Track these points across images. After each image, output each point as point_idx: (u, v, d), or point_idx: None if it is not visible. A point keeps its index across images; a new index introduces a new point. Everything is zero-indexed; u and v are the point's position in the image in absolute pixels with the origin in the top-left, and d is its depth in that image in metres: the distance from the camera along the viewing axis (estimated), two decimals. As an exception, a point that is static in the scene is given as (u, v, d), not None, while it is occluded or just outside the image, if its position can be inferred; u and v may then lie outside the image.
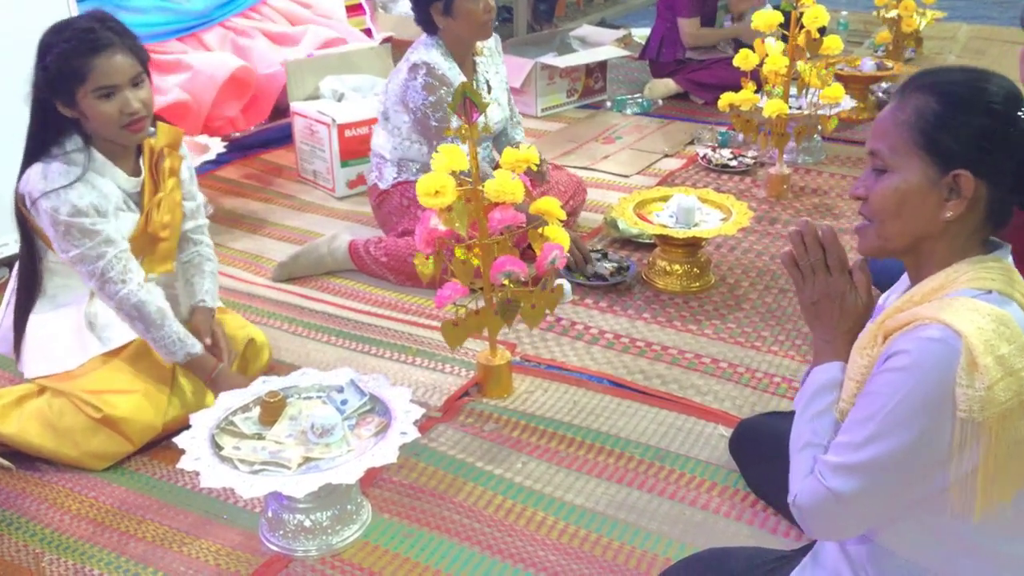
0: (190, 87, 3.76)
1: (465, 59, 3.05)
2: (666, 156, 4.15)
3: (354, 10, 4.98)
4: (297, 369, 2.09)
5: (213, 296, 2.36)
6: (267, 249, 3.30)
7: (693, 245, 2.94)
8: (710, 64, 4.85)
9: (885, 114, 1.34)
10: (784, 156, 3.99)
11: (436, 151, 2.82)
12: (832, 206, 3.62)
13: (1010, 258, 1.35)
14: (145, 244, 2.22)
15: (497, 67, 3.19)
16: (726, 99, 3.57)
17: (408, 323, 2.79)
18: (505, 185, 2.12)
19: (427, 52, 2.95)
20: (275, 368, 2.52)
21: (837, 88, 3.50)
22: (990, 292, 1.27)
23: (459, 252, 2.22)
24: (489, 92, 3.06)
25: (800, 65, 3.53)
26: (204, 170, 3.90)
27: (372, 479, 2.08)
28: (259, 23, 4.32)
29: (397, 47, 5.42)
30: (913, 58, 5.66)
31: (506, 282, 2.24)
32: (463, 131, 2.15)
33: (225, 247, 3.32)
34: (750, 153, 4.03)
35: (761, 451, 2.03)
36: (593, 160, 4.12)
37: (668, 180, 3.87)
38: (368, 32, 5.04)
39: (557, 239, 2.29)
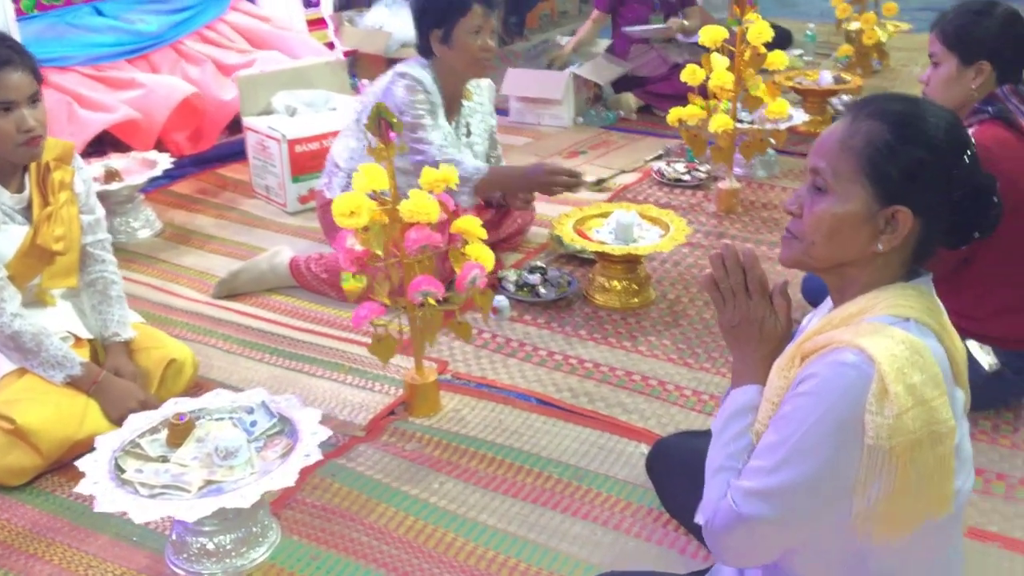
0: (142, 105, 3.76)
1: (453, 96, 3.04)
2: (623, 172, 4.16)
3: (316, 24, 4.99)
4: (228, 386, 2.09)
5: (124, 324, 2.37)
6: (213, 266, 3.30)
7: (632, 261, 2.95)
8: (668, 75, 4.86)
9: (832, 133, 1.33)
10: (738, 170, 4.01)
11: (431, 149, 2.89)
12: (781, 220, 3.62)
13: (931, 287, 1.36)
14: (38, 258, 2.23)
15: (484, 115, 3.19)
16: (674, 114, 3.58)
17: (344, 340, 2.79)
18: (420, 205, 2.12)
19: (417, 69, 2.94)
20: (203, 387, 2.51)
21: (781, 104, 3.51)
22: (908, 320, 1.27)
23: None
24: (468, 136, 3.08)
25: (747, 80, 3.54)
26: (156, 185, 3.92)
27: (284, 501, 2.08)
28: (212, 46, 4.31)
29: (361, 61, 5.46)
30: (879, 70, 5.68)
31: (430, 301, 2.25)
32: (378, 150, 2.16)
33: (171, 263, 3.33)
34: (703, 167, 4.04)
35: (676, 470, 2.03)
36: (548, 174, 4.12)
37: (620, 195, 3.88)
38: (331, 45, 5.06)
39: (479, 258, 2.29)
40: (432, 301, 2.24)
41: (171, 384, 2.40)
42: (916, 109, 1.30)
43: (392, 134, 2.15)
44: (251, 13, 4.54)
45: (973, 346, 2.32)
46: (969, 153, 1.30)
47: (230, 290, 3.06)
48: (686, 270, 3.23)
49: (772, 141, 4.02)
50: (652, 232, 3.02)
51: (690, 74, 3.53)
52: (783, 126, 3.97)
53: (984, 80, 2.28)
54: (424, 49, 2.99)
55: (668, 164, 4.07)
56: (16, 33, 3.06)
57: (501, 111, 4.93)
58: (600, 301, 2.98)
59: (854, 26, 5.10)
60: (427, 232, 2.15)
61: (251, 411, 1.98)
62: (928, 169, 1.27)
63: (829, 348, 1.27)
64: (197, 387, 2.50)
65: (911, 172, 1.27)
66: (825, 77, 4.64)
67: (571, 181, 2.97)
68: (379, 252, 2.15)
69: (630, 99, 4.94)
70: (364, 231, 2.15)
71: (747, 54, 3.47)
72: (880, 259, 1.31)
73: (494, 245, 3.28)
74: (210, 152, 4.27)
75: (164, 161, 3.56)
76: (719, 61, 3.47)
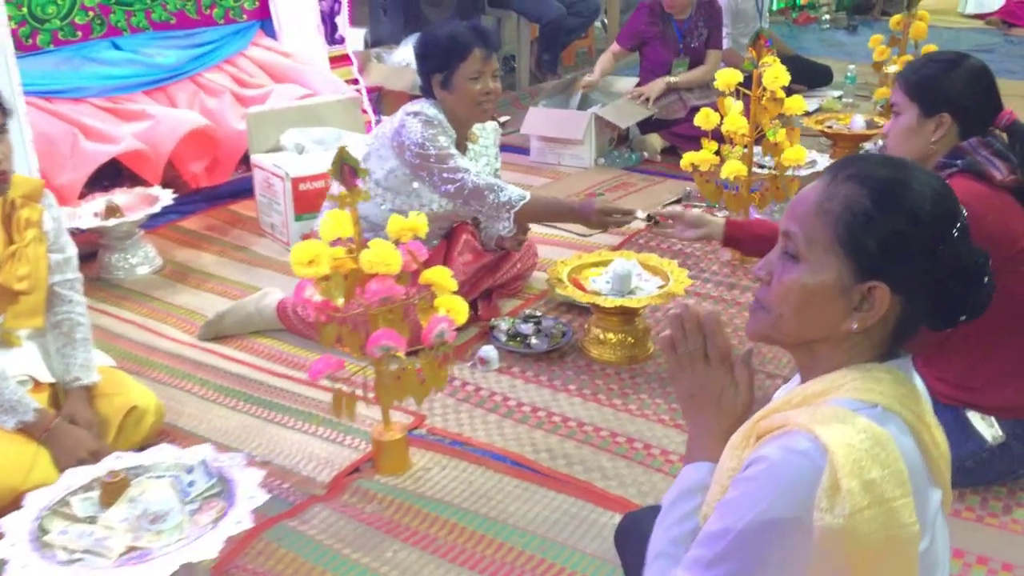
0: (148, 137, 3.74)
1: (459, 138, 2.95)
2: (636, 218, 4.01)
3: (340, 60, 4.95)
4: (194, 436, 2.00)
5: (87, 368, 2.29)
6: (206, 305, 3.23)
7: (629, 313, 2.81)
8: (687, 118, 4.73)
9: (808, 195, 1.20)
10: (756, 214, 3.85)
11: (469, 177, 2.80)
12: (798, 271, 3.45)
13: (911, 370, 1.22)
14: (1, 297, 2.16)
15: (489, 159, 3.11)
16: (687, 158, 3.45)
17: (320, 388, 2.68)
18: (381, 255, 2.02)
19: (430, 108, 2.86)
20: (169, 435, 2.44)
21: (798, 151, 3.35)
22: (876, 407, 1.13)
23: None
24: None
25: (765, 125, 3.39)
26: (166, 220, 3.89)
27: (224, 567, 1.97)
28: (232, 80, 4.29)
29: (386, 98, 5.42)
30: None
31: (399, 355, 2.14)
32: (341, 196, 2.06)
33: (163, 302, 3.27)
34: (720, 213, 3.89)
35: (640, 548, 1.88)
36: (561, 217, 4.01)
37: (631, 240, 3.75)
38: (354, 82, 5.02)
39: (450, 310, 2.18)
40: (401, 355, 2.14)
41: (130, 433, 2.31)
42: (902, 175, 1.16)
43: (357, 180, 2.06)
44: (272, 48, 4.52)
45: (974, 417, 2.15)
46: (959, 227, 1.16)
47: (216, 332, 2.99)
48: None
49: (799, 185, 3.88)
50: (652, 283, 2.89)
51: (704, 118, 3.40)
52: (805, 172, 3.81)
53: (945, 133, 2.13)
54: (427, 92, 2.91)
55: (685, 208, 3.93)
56: (15, 72, 3.03)
57: (522, 150, 4.88)
58: (595, 354, 2.85)
59: (892, 69, 4.91)
60: (389, 283, 2.05)
61: (191, 470, 1.89)
62: (910, 243, 1.14)
63: (783, 430, 1.14)
64: (162, 435, 2.42)
65: (891, 245, 1.13)
66: (857, 121, 4.47)
67: (624, 220, 2.88)
68: (339, 303, 2.05)
69: (655, 140, 4.82)
70: (324, 280, 2.05)
71: (764, 99, 3.33)
72: (854, 337, 1.18)
73: (492, 291, 3.19)
74: (224, 187, 4.23)
75: (166, 197, 3.52)
76: (732, 105, 3.33)
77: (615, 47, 4.94)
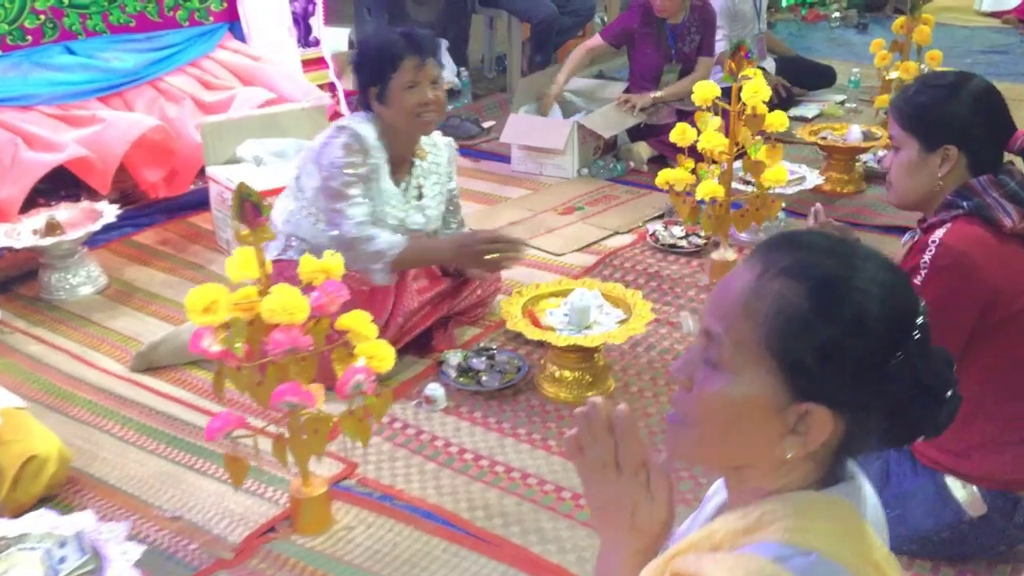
0: (95, 142, 3.56)
1: (401, 154, 2.77)
2: (617, 234, 3.80)
3: (315, 63, 4.75)
4: (104, 486, 1.82)
5: None
6: (146, 330, 3.04)
7: (586, 349, 2.60)
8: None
9: (733, 287, 0.99)
10: (744, 236, 3.63)
11: (345, 226, 2.62)
12: (780, 298, 3.23)
13: (860, 495, 1.01)
14: None
15: (441, 177, 2.90)
16: (662, 176, 3.23)
17: (252, 429, 2.48)
18: (284, 303, 1.82)
19: (359, 123, 2.67)
20: (77, 483, 2.25)
21: (779, 171, 3.12)
22: (811, 553, 0.92)
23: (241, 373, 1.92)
24: (419, 199, 2.80)
25: (749, 144, 3.17)
26: (117, 234, 3.72)
27: (102, 648, 1.78)
28: (197, 83, 4.10)
29: (367, 101, 5.22)
30: (925, 121, 5.23)
31: (319, 406, 1.95)
32: (243, 236, 1.87)
33: (100, 326, 3.09)
34: (703, 232, 3.66)
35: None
36: (533, 234, 3.79)
37: (606, 260, 3.53)
38: (331, 87, 4.82)
39: (372, 358, 1.98)
40: (320, 406, 1.94)
41: (28, 485, 2.13)
42: (846, 268, 0.95)
43: (261, 218, 1.86)
44: (240, 51, 4.32)
45: (955, 485, 1.93)
46: (916, 332, 0.95)
47: (148, 363, 2.80)
48: (657, 356, 2.86)
49: (783, 204, 3.65)
50: (613, 316, 2.68)
51: (679, 134, 3.18)
52: (791, 191, 3.59)
53: (953, 167, 1.89)
54: (366, 105, 2.72)
55: (666, 227, 3.71)
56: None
57: (504, 158, 4.65)
58: (549, 393, 2.64)
59: (892, 75, 4.66)
60: (294, 333, 1.85)
61: (64, 543, 1.70)
62: (855, 356, 0.93)
63: None
64: (69, 484, 2.24)
65: (832, 358, 0.93)
66: (853, 132, 4.22)
67: (506, 250, 2.68)
68: (239, 354, 1.85)
69: (643, 149, 4.58)
70: (223, 329, 1.85)
71: (743, 114, 3.11)
72: (791, 463, 0.98)
73: (449, 319, 2.99)
74: (184, 198, 4.04)
75: (109, 214, 3.33)
76: (709, 121, 3.11)
77: (595, 40, 4.66)
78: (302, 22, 4.63)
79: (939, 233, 1.85)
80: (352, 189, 2.62)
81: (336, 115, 4.70)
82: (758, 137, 3.15)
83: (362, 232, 2.62)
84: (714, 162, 3.19)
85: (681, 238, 3.62)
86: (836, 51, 7.30)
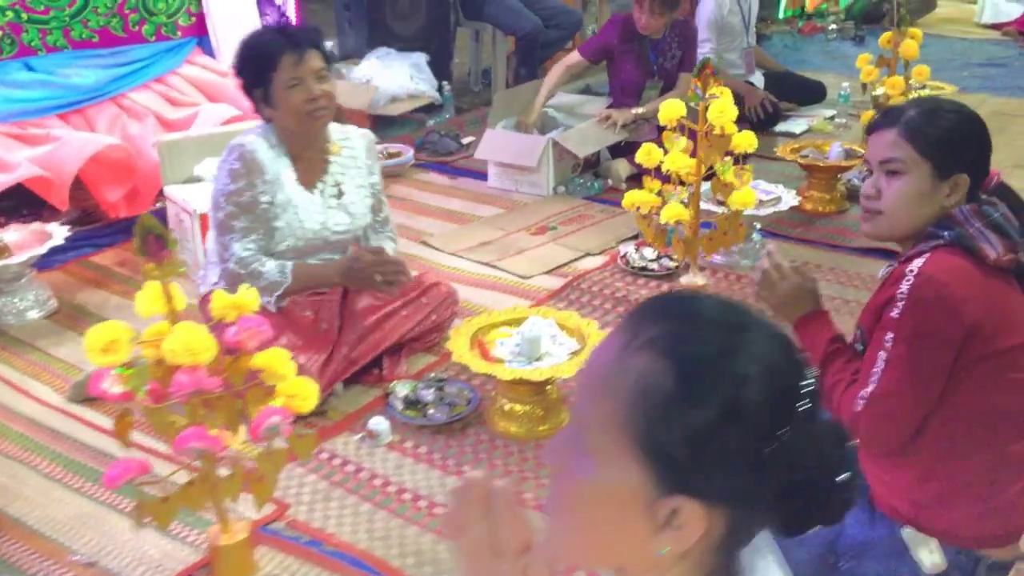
0: (49, 161, 3.47)
1: (308, 156, 2.67)
2: (588, 255, 3.69)
3: (288, 78, 4.65)
4: (21, 527, 1.74)
5: None
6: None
7: (535, 383, 2.49)
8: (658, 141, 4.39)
9: (597, 360, 0.88)
10: (718, 258, 3.52)
11: (231, 262, 2.54)
12: (750, 325, 3.11)
13: (769, 559, 0.90)
14: None
15: (360, 168, 2.78)
16: (628, 198, 3.12)
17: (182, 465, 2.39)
18: (185, 343, 1.71)
19: (254, 139, 2.59)
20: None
21: (747, 194, 3.01)
22: None
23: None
24: (340, 197, 2.71)
25: (718, 165, 3.05)
26: (75, 255, 3.63)
27: None
28: (162, 100, 4.01)
29: (344, 117, 5.11)
30: (915, 137, 5.10)
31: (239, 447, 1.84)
32: (148, 270, 1.76)
33: (43, 353, 2.99)
34: (675, 255, 3.55)
35: None
36: (503, 255, 3.68)
37: (573, 284, 3.41)
38: (305, 101, 4.72)
39: (293, 398, 1.87)
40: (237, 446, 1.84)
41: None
42: (726, 343, 0.83)
43: (165, 251, 1.76)
44: (208, 67, 4.24)
45: (913, 538, 1.80)
46: (801, 411, 0.84)
47: (86, 393, 2.70)
48: (617, 388, 2.74)
49: (757, 225, 3.55)
50: (567, 346, 2.56)
51: (645, 154, 3.07)
52: (765, 212, 3.48)
53: (959, 198, 1.75)
54: (261, 113, 2.64)
55: (637, 248, 3.59)
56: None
57: (481, 174, 4.55)
58: (500, 427, 2.53)
59: (878, 91, 4.54)
60: (199, 375, 1.74)
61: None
62: (728, 445, 0.81)
63: None
64: (-15, 525, 2.14)
65: (700, 448, 0.81)
66: (835, 150, 4.10)
67: (389, 273, 2.60)
68: (140, 395, 1.75)
69: (622, 167, 4.46)
70: (126, 369, 1.75)
71: (710, 135, 3.00)
72: (669, 559, 0.86)
73: (403, 346, 2.88)
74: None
75: (59, 235, 3.24)
76: (675, 142, 3.00)
77: (574, 57, 4.55)
78: (274, 36, 4.53)
79: (918, 263, 1.72)
80: (236, 221, 2.54)
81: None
82: (728, 158, 3.04)
83: (247, 268, 2.56)
84: (682, 183, 3.08)
85: (652, 260, 3.50)
86: (830, 64, 7.18)
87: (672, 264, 3.45)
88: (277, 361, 1.84)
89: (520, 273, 3.53)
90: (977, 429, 1.75)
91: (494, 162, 4.46)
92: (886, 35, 4.58)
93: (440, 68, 5.77)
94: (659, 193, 3.07)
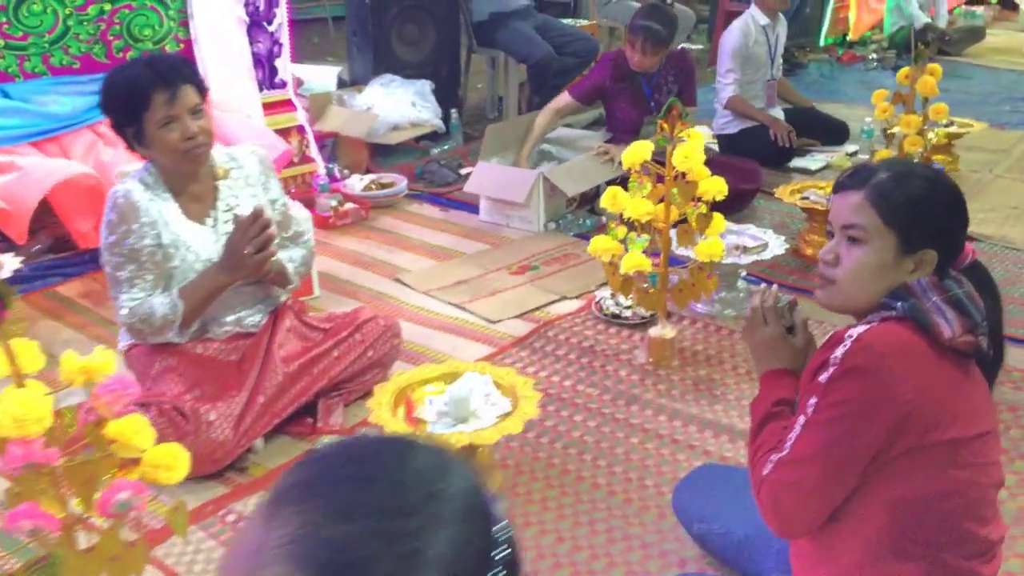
0: (8, 191, 3.40)
1: (191, 189, 2.52)
2: (564, 299, 3.51)
3: (281, 106, 4.57)
4: None
5: None
6: (28, 396, 2.85)
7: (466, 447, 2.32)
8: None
9: (234, 557, 0.71)
10: (700, 307, 3.32)
11: (122, 317, 2.43)
12: (720, 381, 2.90)
13: None
14: None
15: (254, 188, 2.63)
16: (594, 244, 2.94)
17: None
18: (16, 411, 1.58)
19: (129, 182, 2.48)
20: None
21: (714, 244, 2.80)
22: None
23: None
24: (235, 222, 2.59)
25: (688, 211, 2.86)
26: (41, 284, 3.58)
27: None
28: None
29: (342, 145, 5.02)
30: (939, 177, 4.82)
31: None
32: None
33: (-21, 391, 2.90)
34: (636, 305, 3.34)
35: None
36: (475, 296, 3.52)
37: (541, 331, 3.23)
38: (300, 129, 4.63)
39: (157, 469, 1.73)
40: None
41: None
42: (382, 541, 0.66)
43: (5, 311, 1.63)
44: (192, 95, 4.16)
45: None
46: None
47: None
48: (559, 450, 2.56)
49: (742, 273, 3.34)
50: (499, 407, 2.38)
51: (610, 198, 2.89)
52: (746, 260, 3.26)
53: (923, 276, 1.54)
54: (132, 150, 2.52)
55: (613, 294, 3.40)
56: None
57: (474, 207, 4.39)
58: (424, 492, 2.36)
59: (894, 130, 4.28)
60: (33, 447, 1.61)
61: None
62: None
63: None
64: None
65: None
66: (838, 192, 3.86)
67: (256, 238, 2.41)
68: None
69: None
70: None
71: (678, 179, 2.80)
72: None
73: (340, 389, 2.72)
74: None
75: (9, 266, 3.15)
76: (638, 187, 2.81)
77: (564, 99, 4.39)
78: (266, 63, 4.44)
79: (860, 329, 1.52)
80: (121, 272, 2.43)
81: (293, 162, 4.53)
82: (700, 204, 2.84)
83: (137, 316, 2.44)
84: (656, 230, 2.89)
85: (626, 308, 3.31)
86: (864, 96, 6.80)
87: (646, 313, 3.25)
88: (131, 430, 1.70)
89: (488, 317, 3.36)
90: (909, 531, 1.54)
91: (485, 196, 4.31)
92: (903, 70, 4.35)
93: (449, 95, 5.65)
94: (624, 240, 2.88)
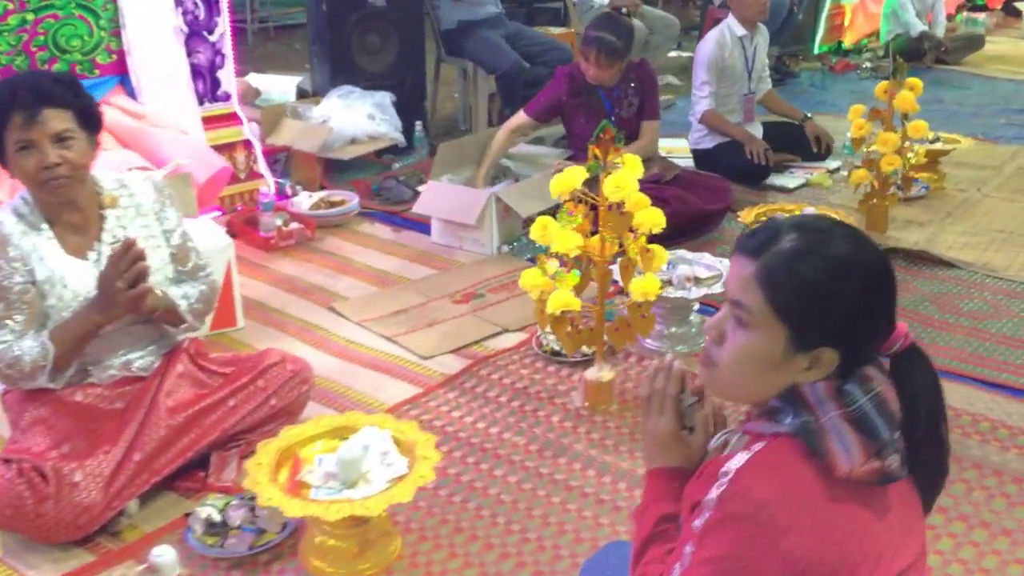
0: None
1: (70, 219, 2.29)
2: (506, 331, 3.26)
3: (226, 120, 4.34)
4: None
5: None
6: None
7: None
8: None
9: None
10: (650, 343, 3.08)
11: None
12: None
13: None
14: None
15: (146, 218, 2.39)
16: (525, 279, 2.69)
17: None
18: None
19: (4, 209, 2.26)
20: None
21: (650, 282, 2.55)
22: None
23: None
24: None
25: (628, 243, 2.61)
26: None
27: None
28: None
29: (295, 160, 4.78)
30: (924, 195, 4.56)
31: None
32: None
33: None
34: (565, 349, 3.07)
35: None
36: (411, 328, 3.28)
37: (473, 369, 2.99)
38: (247, 144, 4.40)
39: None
40: None
41: None
42: None
43: None
44: (127, 109, 3.93)
45: None
46: None
47: None
48: (473, 511, 2.31)
49: (695, 307, 3.10)
50: (395, 468, 2.14)
51: (540, 229, 2.64)
52: (695, 294, 3.02)
53: (820, 376, 1.24)
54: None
55: (556, 329, 3.15)
56: None
57: (426, 227, 4.15)
58: (313, 564, 2.11)
59: (871, 148, 4.03)
60: None
61: None
62: None
63: None
64: None
65: None
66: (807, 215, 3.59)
67: (127, 271, 2.17)
68: None
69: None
70: None
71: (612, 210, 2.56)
72: None
73: (239, 442, 2.48)
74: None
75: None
76: (568, 217, 2.57)
77: (521, 118, 4.14)
78: (208, 75, 4.22)
79: (737, 462, 1.23)
80: None
81: (240, 178, 4.31)
82: (641, 234, 2.59)
83: (3, 361, 2.21)
84: (593, 264, 2.65)
85: (569, 344, 3.06)
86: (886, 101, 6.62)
87: (589, 350, 3.00)
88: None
89: (420, 352, 3.12)
90: None
91: (436, 217, 4.07)
92: (882, 84, 4.11)
93: (414, 106, 5.42)
94: (554, 276, 2.63)
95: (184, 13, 4.08)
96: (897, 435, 1.23)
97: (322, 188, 4.67)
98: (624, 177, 2.48)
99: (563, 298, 2.53)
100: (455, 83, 6.17)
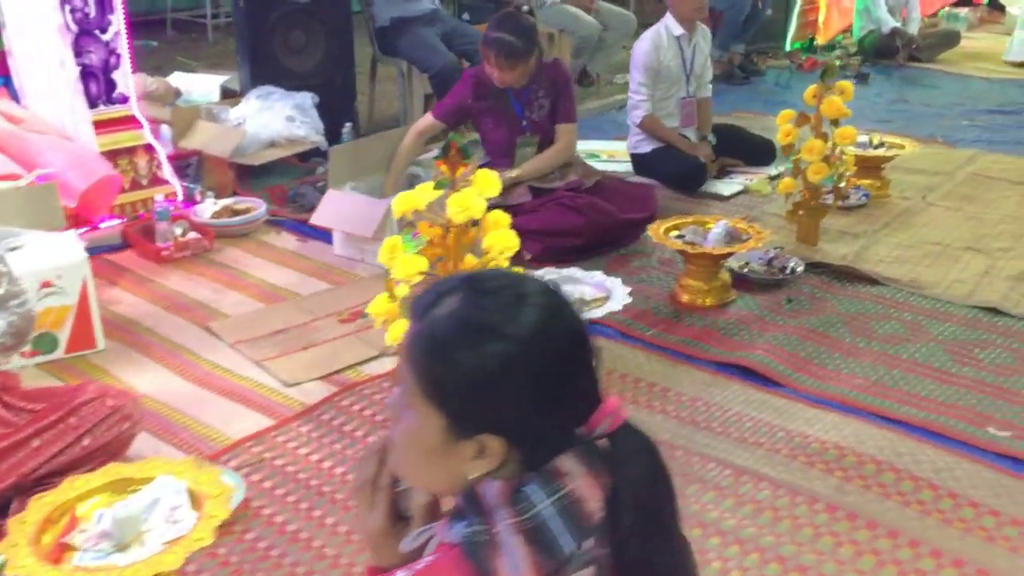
0: None
1: None
2: (384, 356, 3.03)
3: (123, 123, 4.12)
4: None
5: None
6: None
7: (129, 577, 1.86)
8: (536, 206, 3.73)
9: None
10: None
11: None
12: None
13: None
14: None
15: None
16: (372, 305, 2.47)
17: None
18: None
19: None
20: None
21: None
22: None
23: None
24: None
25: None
26: None
27: None
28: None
29: (207, 165, 4.55)
30: (864, 204, 4.31)
31: None
32: None
33: None
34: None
35: None
36: (284, 351, 3.05)
37: (334, 399, 2.76)
38: (148, 148, 4.19)
39: None
40: None
41: None
42: None
43: None
44: (5, 113, 3.72)
45: None
46: None
47: None
48: (275, 565, 2.09)
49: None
50: (181, 526, 1.92)
51: (388, 251, 2.41)
52: (586, 315, 2.76)
53: (497, 463, 1.01)
54: None
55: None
56: None
57: (327, 235, 3.93)
58: (87, 630, 1.90)
59: (799, 157, 3.78)
60: None
61: None
62: None
63: None
64: None
65: None
66: (717, 231, 3.35)
67: None
68: None
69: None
70: None
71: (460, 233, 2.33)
72: None
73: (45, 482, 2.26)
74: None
75: None
76: (412, 241, 2.34)
77: (427, 120, 3.92)
78: (101, 76, 3.99)
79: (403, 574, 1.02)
80: None
81: (141, 185, 4.08)
82: (489, 260, 2.37)
83: None
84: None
85: (442, 372, 2.83)
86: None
87: (462, 378, 2.77)
88: None
89: (284, 379, 2.89)
90: None
91: (336, 229, 3.85)
92: (810, 89, 3.85)
93: (344, 108, 5.19)
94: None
95: (72, 11, 3.84)
96: (589, 544, 1.00)
97: (235, 194, 4.45)
98: (469, 197, 2.25)
99: (403, 328, 2.30)
100: (393, 82, 5.95)
